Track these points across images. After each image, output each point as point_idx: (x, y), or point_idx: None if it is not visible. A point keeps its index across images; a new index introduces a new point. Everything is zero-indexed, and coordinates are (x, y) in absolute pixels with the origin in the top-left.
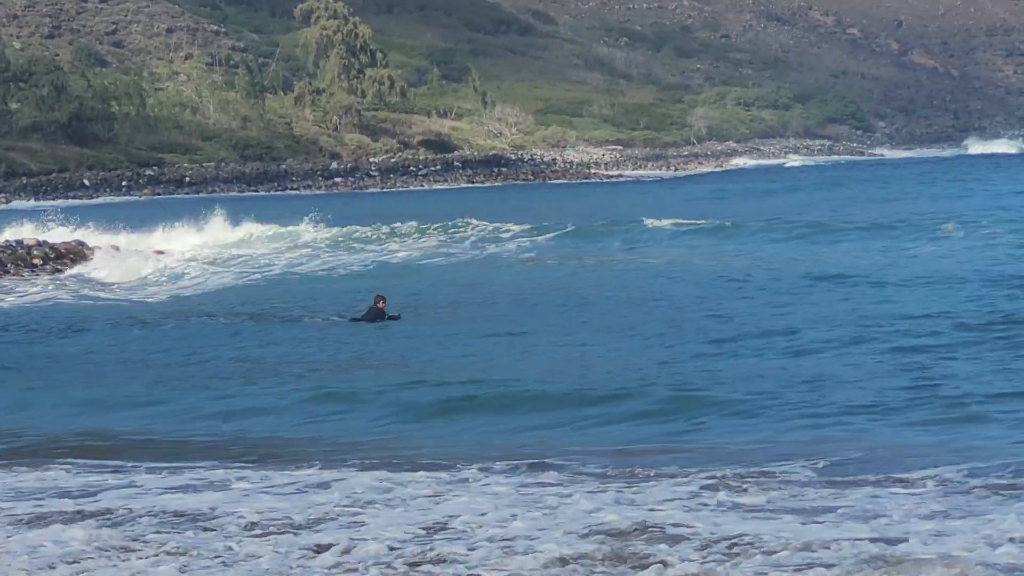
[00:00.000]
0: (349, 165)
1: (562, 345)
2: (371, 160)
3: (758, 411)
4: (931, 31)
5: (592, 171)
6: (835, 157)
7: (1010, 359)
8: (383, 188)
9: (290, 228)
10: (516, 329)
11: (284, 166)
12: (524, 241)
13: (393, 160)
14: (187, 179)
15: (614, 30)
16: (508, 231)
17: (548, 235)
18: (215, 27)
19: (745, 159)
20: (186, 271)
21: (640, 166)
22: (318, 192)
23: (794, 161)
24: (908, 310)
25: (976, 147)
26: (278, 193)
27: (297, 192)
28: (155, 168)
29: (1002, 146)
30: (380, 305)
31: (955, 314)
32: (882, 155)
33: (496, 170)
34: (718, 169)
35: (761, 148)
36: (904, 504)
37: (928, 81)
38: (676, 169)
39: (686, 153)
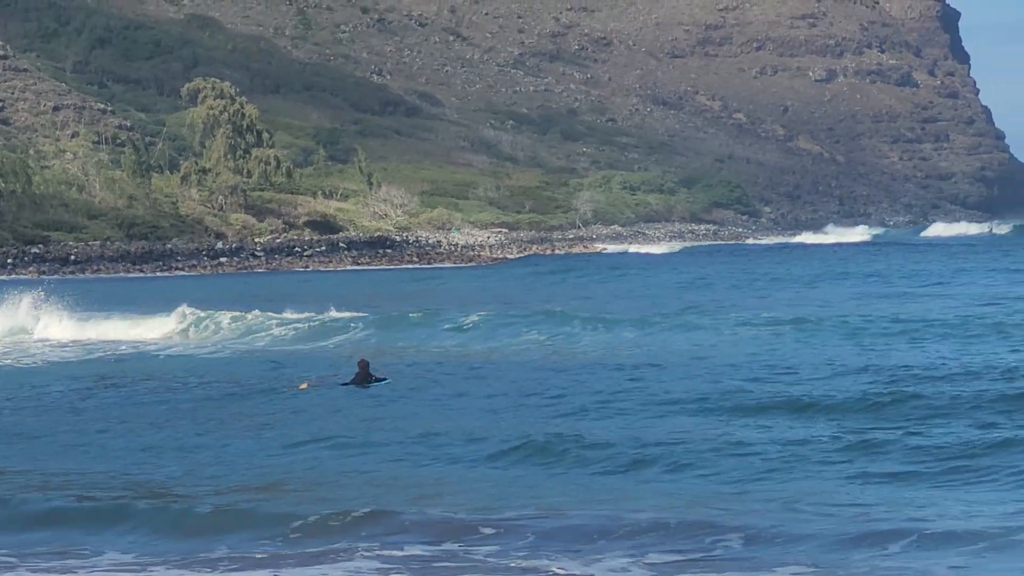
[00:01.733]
0: (234, 245)
1: None
2: (256, 240)
3: None
4: (817, 117)
5: (478, 253)
6: (698, 242)
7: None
8: (269, 268)
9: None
10: None
11: (170, 245)
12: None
13: (278, 240)
14: (72, 257)
15: (500, 113)
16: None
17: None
18: (102, 105)
19: (607, 243)
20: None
21: (525, 249)
22: (203, 272)
23: (656, 246)
24: None
25: (833, 234)
26: (163, 274)
27: (182, 272)
28: (40, 246)
29: (857, 235)
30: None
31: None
32: (757, 240)
33: (381, 251)
34: (584, 251)
35: (646, 232)
36: None
37: (814, 167)
38: (566, 251)
39: (571, 236)
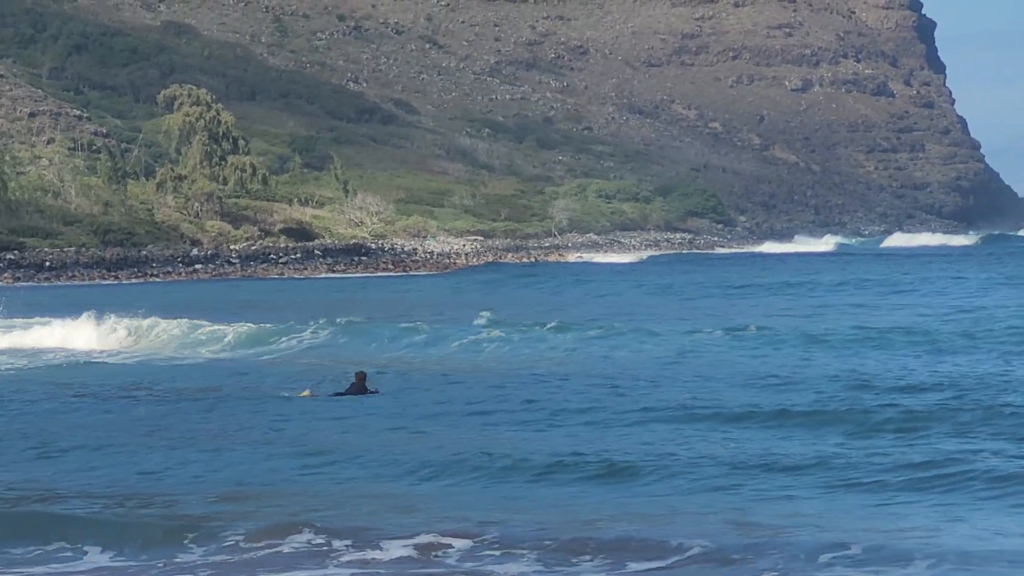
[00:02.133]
0: (210, 252)
1: None
2: (232, 247)
3: None
4: (793, 126)
5: (453, 260)
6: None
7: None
8: (244, 275)
9: None
10: None
11: (145, 252)
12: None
13: (254, 247)
14: (47, 264)
15: (476, 121)
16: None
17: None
18: (78, 112)
19: (583, 252)
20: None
21: (500, 256)
22: (178, 279)
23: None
24: None
25: (800, 244)
26: (138, 280)
27: (158, 279)
28: (15, 252)
29: (822, 244)
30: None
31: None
32: (729, 249)
33: (356, 259)
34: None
35: (622, 241)
36: None
37: (789, 176)
38: (535, 260)
39: (547, 244)
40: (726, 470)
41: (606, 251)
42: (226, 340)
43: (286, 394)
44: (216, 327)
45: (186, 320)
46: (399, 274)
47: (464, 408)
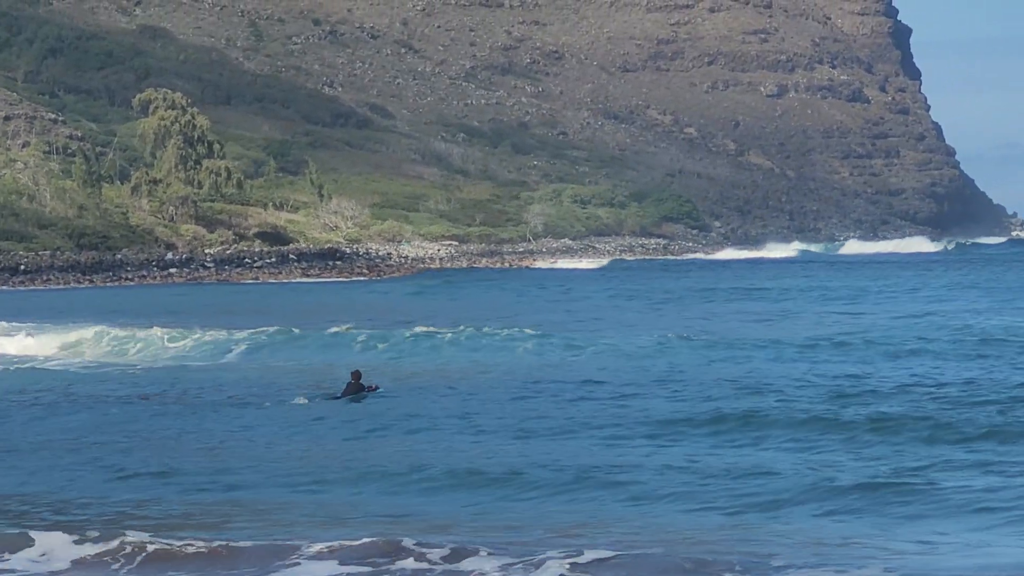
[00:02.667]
0: (184, 256)
1: None
2: (207, 251)
3: None
4: (768, 132)
5: (427, 265)
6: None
7: None
8: (219, 279)
9: None
10: None
11: (120, 256)
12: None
13: (228, 251)
14: (22, 267)
15: (452, 125)
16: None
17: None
18: (53, 115)
19: (558, 257)
20: None
21: (475, 262)
22: (153, 283)
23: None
24: None
25: (772, 250)
26: (113, 284)
27: (132, 283)
28: None
29: (791, 250)
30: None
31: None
32: (705, 256)
33: (331, 263)
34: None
35: (596, 246)
36: None
37: (764, 182)
38: (510, 265)
39: (521, 250)
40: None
41: (579, 257)
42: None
43: (291, 401)
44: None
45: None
46: (373, 278)
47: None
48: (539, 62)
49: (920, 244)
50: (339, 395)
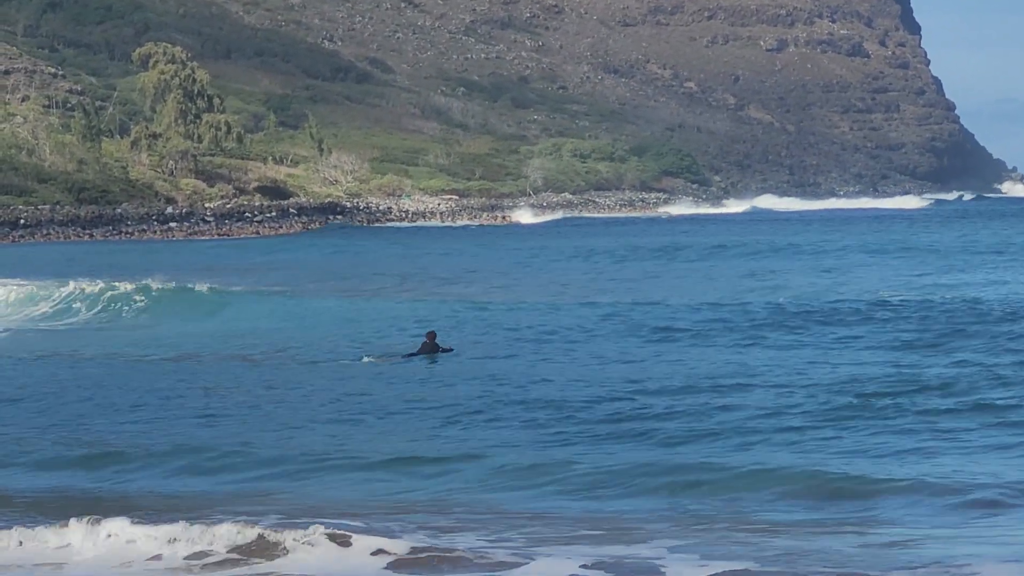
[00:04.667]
0: (184, 210)
1: None
2: (206, 205)
3: None
4: (768, 86)
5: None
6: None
7: None
8: (219, 234)
9: None
10: None
11: (120, 210)
12: None
13: (229, 206)
14: (22, 221)
15: (451, 80)
16: None
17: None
18: (53, 69)
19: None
20: None
21: (474, 216)
22: (153, 237)
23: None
24: None
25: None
26: (113, 239)
27: (132, 237)
28: None
29: (740, 207)
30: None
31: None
32: (667, 213)
33: (331, 217)
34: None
35: (596, 200)
36: None
37: (764, 136)
38: (506, 220)
39: (522, 204)
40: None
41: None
42: None
43: (366, 359)
44: None
45: None
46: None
47: None
48: (539, 16)
49: (912, 201)
50: (413, 353)
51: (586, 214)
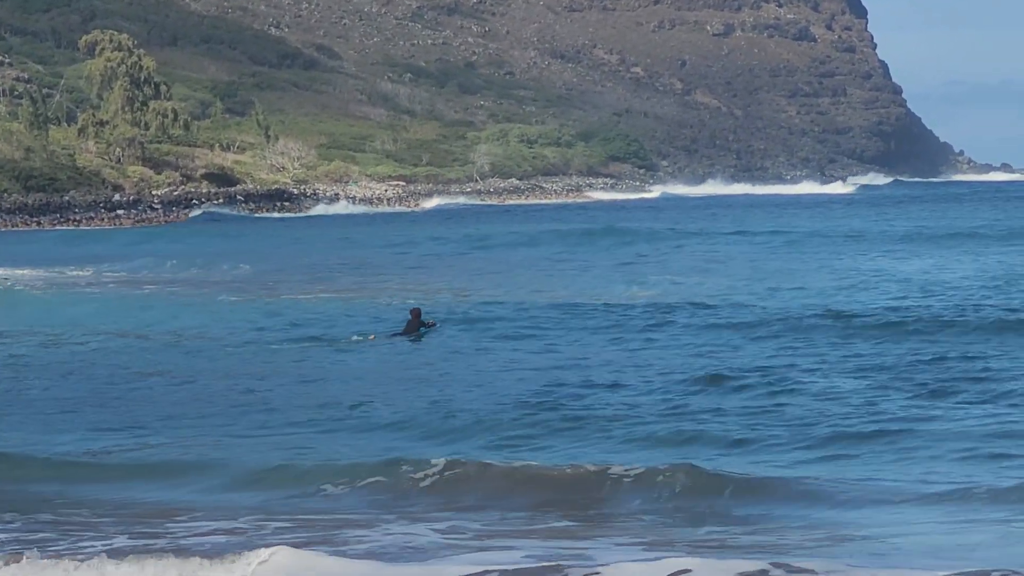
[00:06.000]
0: (132, 197)
1: None
2: (154, 193)
3: None
4: (715, 71)
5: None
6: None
7: None
8: (167, 221)
9: None
10: None
11: (67, 198)
12: None
13: (176, 193)
14: None
15: (398, 66)
16: None
17: None
18: None
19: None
20: None
21: (418, 203)
22: (101, 225)
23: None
24: None
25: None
26: (61, 227)
27: (81, 225)
28: None
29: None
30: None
31: None
32: (591, 197)
33: (279, 204)
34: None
35: (544, 186)
36: None
37: (711, 120)
38: (417, 207)
39: (468, 190)
40: None
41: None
42: None
43: (355, 338)
44: None
45: None
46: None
47: None
48: (485, 2)
49: (837, 187)
50: (399, 332)
51: (489, 202)
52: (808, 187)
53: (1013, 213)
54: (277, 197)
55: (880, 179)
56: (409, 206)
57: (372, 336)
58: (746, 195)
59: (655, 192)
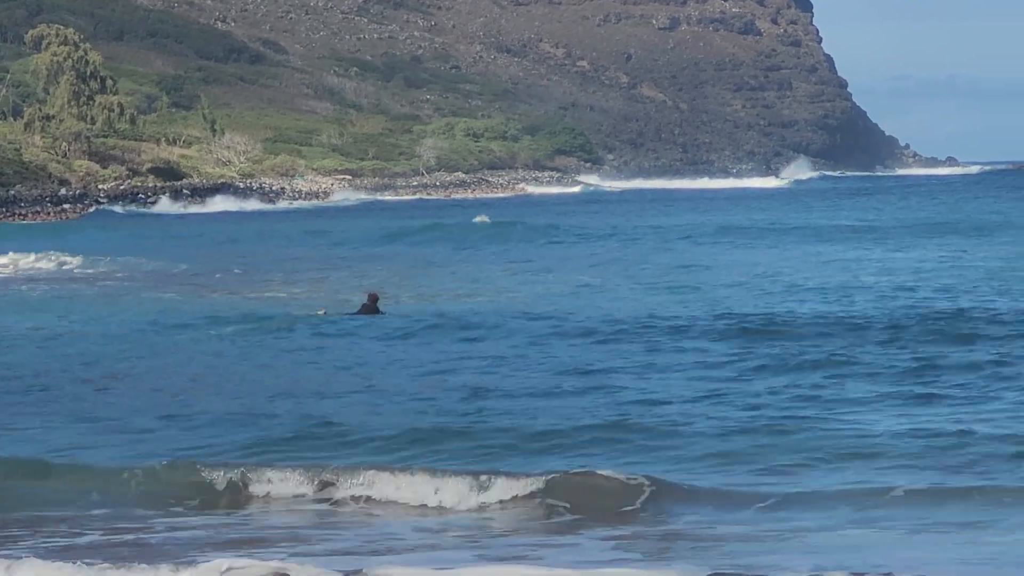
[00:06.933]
0: (78, 191)
1: None
2: (100, 187)
3: None
4: (660, 64)
5: (321, 199)
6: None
7: None
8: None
9: None
10: None
11: (13, 192)
12: None
13: (122, 187)
14: None
15: (344, 60)
16: None
17: None
18: None
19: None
20: None
21: (305, 197)
22: (47, 219)
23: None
24: None
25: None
26: (6, 221)
27: (26, 219)
28: None
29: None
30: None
31: None
32: (524, 190)
33: (224, 198)
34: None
35: (490, 180)
36: None
37: (657, 114)
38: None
39: (415, 183)
40: None
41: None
42: None
43: (308, 313)
44: None
45: None
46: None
47: None
48: None
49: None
50: (355, 312)
51: (389, 197)
52: (749, 182)
53: (916, 206)
54: (223, 191)
55: (807, 172)
56: (320, 200)
57: (322, 311)
58: (675, 189)
59: (576, 187)
